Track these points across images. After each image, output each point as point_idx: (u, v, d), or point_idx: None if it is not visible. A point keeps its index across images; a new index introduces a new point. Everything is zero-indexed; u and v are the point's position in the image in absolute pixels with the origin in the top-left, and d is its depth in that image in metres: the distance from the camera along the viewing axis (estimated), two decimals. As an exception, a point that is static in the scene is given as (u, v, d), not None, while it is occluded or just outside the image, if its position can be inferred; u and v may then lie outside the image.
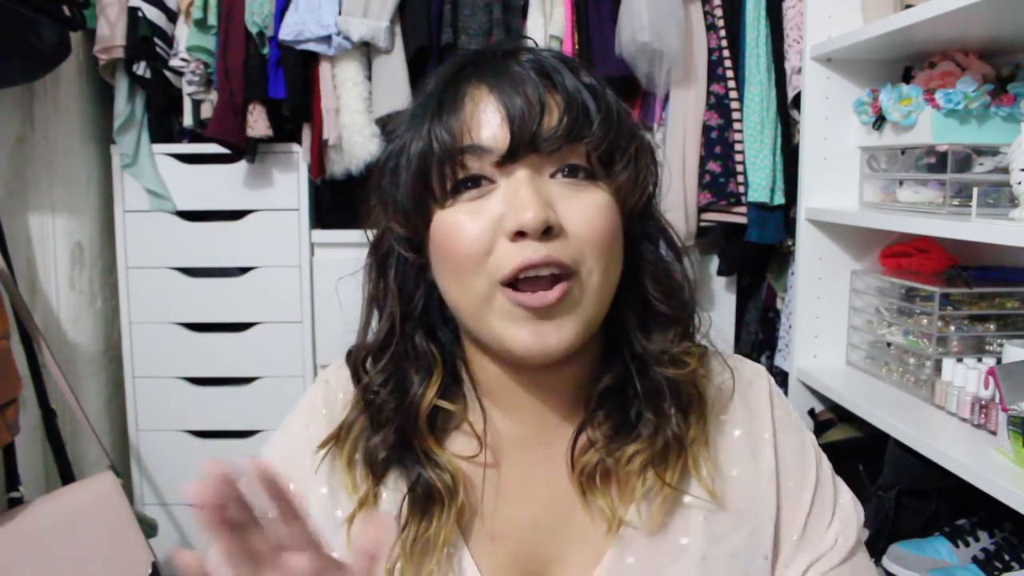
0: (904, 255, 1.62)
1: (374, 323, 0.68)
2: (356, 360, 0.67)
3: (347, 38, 1.78)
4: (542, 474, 0.66)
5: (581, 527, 0.65)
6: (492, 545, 0.66)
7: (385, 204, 0.65)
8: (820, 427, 1.68)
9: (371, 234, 0.68)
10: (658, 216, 0.68)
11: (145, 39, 1.85)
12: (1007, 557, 1.29)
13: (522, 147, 0.59)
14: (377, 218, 0.67)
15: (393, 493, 0.65)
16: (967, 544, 1.34)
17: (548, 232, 0.57)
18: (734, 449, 0.67)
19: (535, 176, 0.59)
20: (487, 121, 0.59)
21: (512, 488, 0.67)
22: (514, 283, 0.59)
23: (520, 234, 0.57)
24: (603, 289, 0.61)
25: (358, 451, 0.66)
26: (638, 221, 0.66)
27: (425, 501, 0.64)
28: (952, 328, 1.40)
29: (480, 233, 0.59)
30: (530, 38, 0.72)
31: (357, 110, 1.82)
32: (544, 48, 0.65)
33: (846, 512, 0.69)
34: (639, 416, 0.64)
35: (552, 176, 0.60)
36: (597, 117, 0.60)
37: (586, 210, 0.60)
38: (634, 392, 0.64)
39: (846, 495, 0.70)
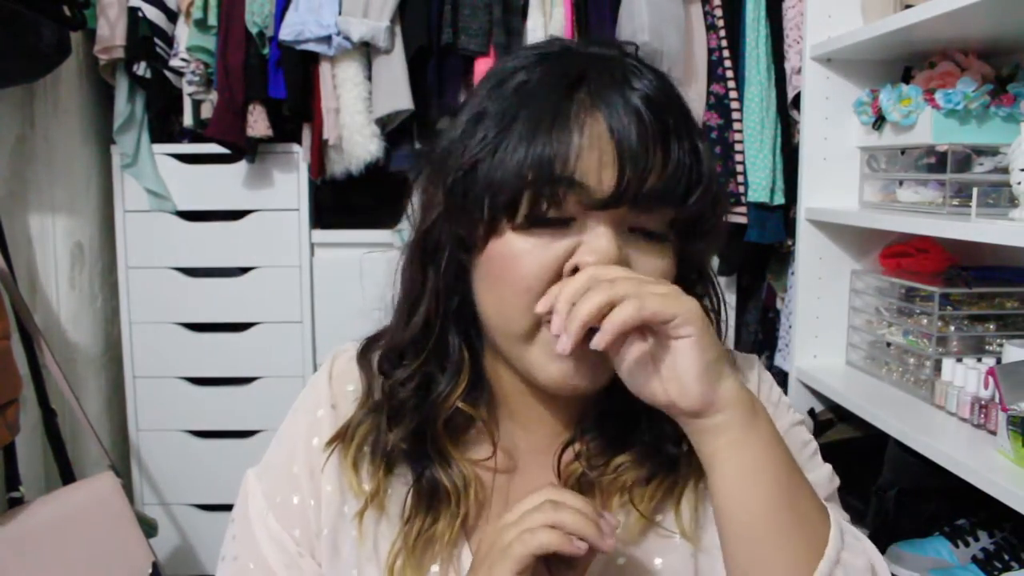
0: (904, 255, 1.62)
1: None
2: (386, 353, 0.66)
3: (347, 38, 1.78)
4: (544, 482, 0.65)
5: None
6: None
7: (451, 195, 0.60)
8: (820, 427, 1.68)
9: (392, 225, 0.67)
10: (709, 271, 0.66)
11: (145, 39, 1.85)
12: (1007, 557, 1.29)
13: (622, 198, 0.56)
14: (427, 202, 0.63)
15: (401, 487, 0.65)
16: (967, 544, 1.34)
17: None
18: None
19: (617, 227, 0.57)
20: (595, 157, 0.55)
21: (520, 494, 0.65)
22: None
23: None
24: None
25: (365, 449, 0.65)
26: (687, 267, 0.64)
27: (431, 497, 0.63)
28: (952, 328, 1.40)
29: (546, 271, 0.57)
30: (633, 43, 0.65)
31: (357, 110, 1.82)
32: (650, 68, 0.60)
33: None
34: (635, 432, 0.64)
35: (630, 230, 0.58)
36: (697, 189, 0.58)
37: (653, 274, 0.58)
38: (634, 413, 0.63)
39: (821, 470, 0.70)
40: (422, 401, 0.63)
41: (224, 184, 1.97)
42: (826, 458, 0.71)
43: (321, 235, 2.00)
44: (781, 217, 1.87)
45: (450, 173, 0.59)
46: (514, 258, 0.57)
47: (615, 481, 0.63)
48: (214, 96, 1.87)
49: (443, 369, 0.64)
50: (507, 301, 0.58)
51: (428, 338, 0.64)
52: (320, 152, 1.88)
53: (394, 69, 1.82)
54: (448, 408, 0.63)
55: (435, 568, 0.64)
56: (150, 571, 1.55)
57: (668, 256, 0.59)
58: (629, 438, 0.64)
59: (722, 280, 1.97)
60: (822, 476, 0.69)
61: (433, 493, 0.63)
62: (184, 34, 1.87)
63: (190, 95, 1.91)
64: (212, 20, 1.82)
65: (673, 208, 0.58)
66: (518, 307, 0.57)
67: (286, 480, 0.68)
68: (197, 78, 1.87)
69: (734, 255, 1.93)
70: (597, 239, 0.56)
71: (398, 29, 1.82)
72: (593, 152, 0.55)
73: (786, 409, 0.70)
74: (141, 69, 1.89)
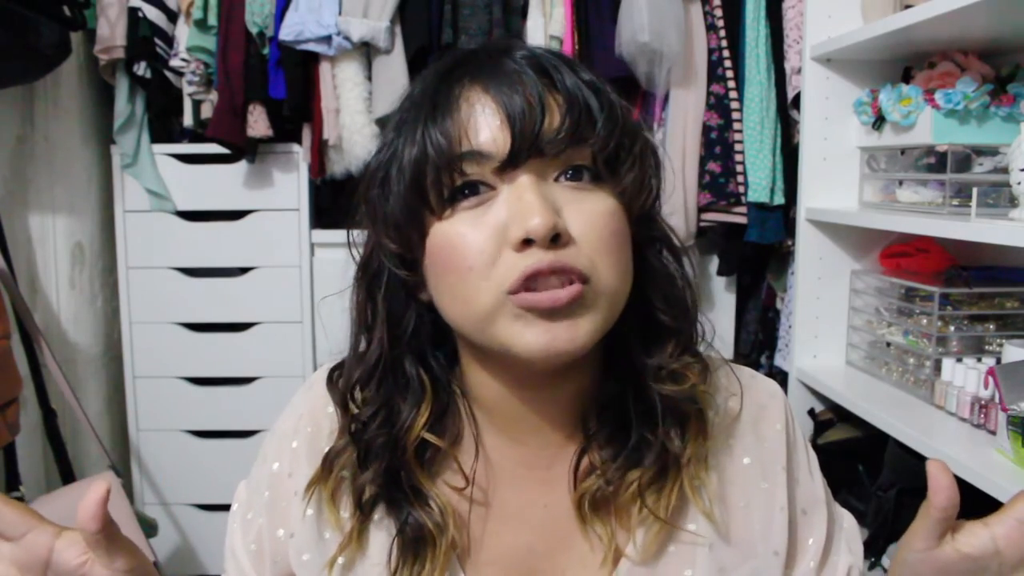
0: (904, 255, 1.62)
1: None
2: (344, 390, 0.64)
3: (347, 38, 1.78)
4: (540, 497, 0.64)
5: (580, 553, 0.63)
6: (489, 570, 0.64)
7: (375, 218, 0.60)
8: (820, 427, 1.68)
9: (356, 251, 0.64)
10: (660, 219, 0.64)
11: (145, 39, 1.85)
12: (1007, 557, 1.29)
13: (524, 151, 0.55)
14: (365, 232, 0.63)
15: (381, 534, 0.63)
16: (967, 544, 1.34)
17: (556, 239, 0.54)
18: (743, 478, 0.64)
19: (538, 180, 0.55)
20: (485, 124, 0.55)
21: (509, 512, 0.64)
22: (520, 290, 0.55)
23: (527, 242, 0.53)
24: (617, 293, 0.57)
25: (344, 485, 0.63)
26: (644, 225, 0.62)
27: (416, 543, 0.61)
28: (952, 328, 1.40)
29: (483, 244, 0.55)
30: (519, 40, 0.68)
31: (357, 110, 1.82)
32: (537, 46, 0.61)
33: (851, 536, 0.69)
34: (641, 438, 0.61)
35: (556, 180, 0.56)
36: (601, 116, 0.56)
37: (593, 217, 0.56)
38: (632, 411, 0.61)
39: (849, 518, 0.70)
40: (388, 436, 0.61)
41: (224, 184, 1.97)
42: (826, 458, 0.72)
43: (321, 235, 2.00)
44: (781, 217, 1.87)
45: (369, 190, 0.61)
46: (450, 244, 0.56)
47: (629, 494, 0.60)
48: (214, 96, 1.87)
49: (405, 398, 0.62)
50: (459, 287, 0.56)
51: (385, 369, 0.62)
52: (320, 152, 1.88)
53: (394, 69, 1.82)
54: (413, 439, 0.61)
55: None
56: (150, 571, 1.55)
57: (606, 200, 0.57)
58: (636, 444, 0.61)
59: (722, 280, 1.98)
60: (852, 522, 0.70)
61: (418, 538, 0.61)
62: (184, 34, 1.87)
63: (190, 95, 1.91)
64: (212, 20, 1.82)
65: (585, 144, 0.56)
66: (471, 288, 0.55)
67: (261, 507, 0.69)
68: (197, 78, 1.87)
69: (734, 255, 1.93)
70: (520, 197, 0.54)
71: (398, 29, 1.82)
72: (483, 119, 0.55)
73: (805, 451, 0.69)
74: (141, 69, 1.89)
